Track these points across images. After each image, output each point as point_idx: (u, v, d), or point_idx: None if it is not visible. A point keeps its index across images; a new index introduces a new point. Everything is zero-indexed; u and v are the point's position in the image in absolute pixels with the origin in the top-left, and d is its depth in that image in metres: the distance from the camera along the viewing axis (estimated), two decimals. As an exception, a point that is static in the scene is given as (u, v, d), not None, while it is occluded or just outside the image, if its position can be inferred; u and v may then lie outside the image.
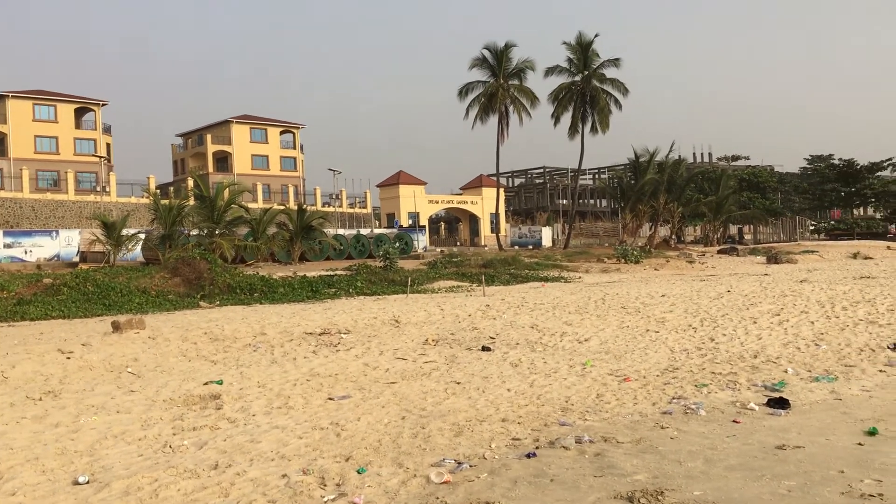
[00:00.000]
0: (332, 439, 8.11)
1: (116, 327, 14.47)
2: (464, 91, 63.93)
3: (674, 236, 70.09)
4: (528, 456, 7.40)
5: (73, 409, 9.15)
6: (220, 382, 10.88)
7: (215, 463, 7.11)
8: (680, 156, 70.34)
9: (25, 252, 52.74)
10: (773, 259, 45.05)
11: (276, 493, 6.32)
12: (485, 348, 14.05)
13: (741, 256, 52.51)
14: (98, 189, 69.50)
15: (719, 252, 56.85)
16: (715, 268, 40.64)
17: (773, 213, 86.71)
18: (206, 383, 10.84)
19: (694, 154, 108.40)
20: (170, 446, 7.70)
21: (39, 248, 53.55)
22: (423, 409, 9.51)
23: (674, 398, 10.08)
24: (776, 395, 10.13)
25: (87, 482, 6.51)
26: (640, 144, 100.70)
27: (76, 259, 49.57)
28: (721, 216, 74.58)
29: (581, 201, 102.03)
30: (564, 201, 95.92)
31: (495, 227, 71.30)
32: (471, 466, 7.09)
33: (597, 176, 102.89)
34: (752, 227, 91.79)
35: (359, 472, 6.92)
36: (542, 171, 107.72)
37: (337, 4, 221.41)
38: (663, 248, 59.86)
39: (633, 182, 66.27)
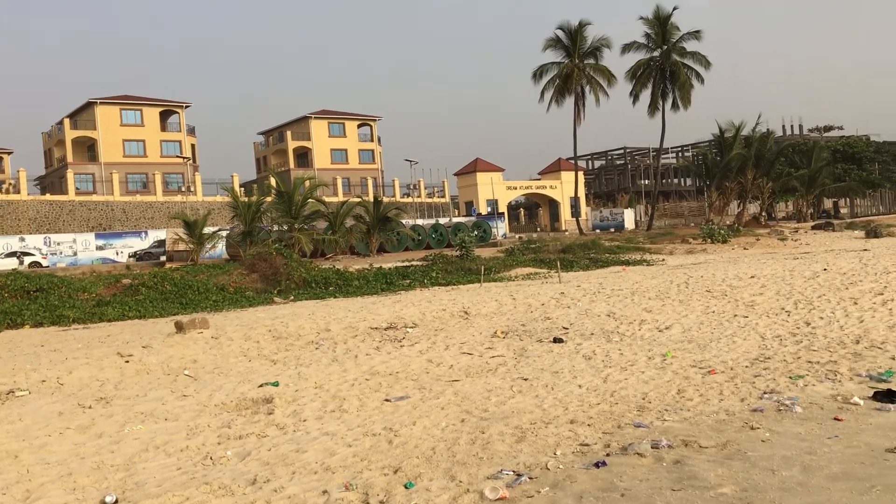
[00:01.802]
0: (383, 447, 7.50)
1: (179, 328, 14.32)
2: (538, 73, 62.62)
3: (764, 213, 67.16)
4: (597, 465, 6.60)
5: (121, 416, 8.85)
6: (275, 384, 10.46)
7: (254, 477, 6.59)
8: (768, 129, 67.20)
9: (117, 253, 54.64)
10: (873, 233, 42.35)
11: (313, 512, 5.75)
12: (556, 340, 13.23)
13: (837, 231, 49.75)
14: (184, 189, 71.39)
15: (813, 228, 54.06)
16: (809, 245, 38.40)
17: (870, 185, 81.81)
18: (261, 385, 10.43)
19: (783, 127, 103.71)
20: (211, 458, 7.24)
21: (130, 249, 55.36)
22: (485, 411, 8.80)
23: (765, 393, 9.06)
24: (883, 386, 8.98)
25: (115, 502, 6.08)
26: (724, 119, 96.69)
27: (163, 258, 50.93)
28: (814, 190, 71.04)
29: (664, 181, 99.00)
30: (646, 182, 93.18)
31: (575, 212, 69.78)
32: (531, 479, 6.35)
33: (680, 154, 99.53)
34: (847, 200, 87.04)
35: (406, 487, 6.28)
36: (622, 151, 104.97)
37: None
38: (753, 225, 57.35)
39: (718, 158, 63.78)
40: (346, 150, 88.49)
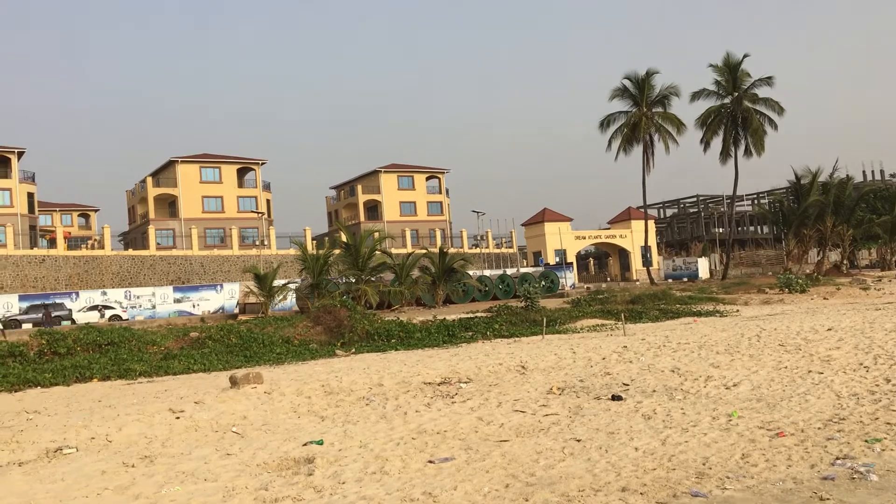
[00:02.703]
0: (420, 514, 7.15)
1: (234, 382, 14.31)
2: (605, 122, 62.40)
3: (845, 261, 64.39)
4: (645, 540, 6.12)
5: (162, 476, 8.75)
6: (320, 443, 10.23)
7: (282, 545, 6.34)
8: (847, 174, 64.81)
9: (193, 306, 56.07)
10: (965, 281, 39.98)
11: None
12: (615, 397, 12.65)
13: (926, 280, 47.16)
14: (259, 243, 73.14)
15: (899, 276, 51.43)
16: (893, 294, 36.42)
17: (958, 231, 77.70)
18: (305, 444, 10.21)
19: (864, 172, 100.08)
20: (243, 523, 7.04)
21: (206, 302, 56.81)
22: (532, 475, 8.36)
23: (837, 458, 8.36)
24: (972, 453, 8.19)
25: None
26: (800, 165, 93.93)
27: (237, 311, 51.92)
28: (898, 237, 67.84)
29: (739, 229, 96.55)
30: (721, 230, 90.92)
31: (646, 261, 68.43)
32: (572, 554, 5.90)
33: (755, 201, 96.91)
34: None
35: (436, 560, 5.92)
36: (695, 199, 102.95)
37: (469, 46, 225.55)
38: (833, 274, 55.01)
39: (795, 205, 61.75)
40: (414, 203, 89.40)
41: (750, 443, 9.34)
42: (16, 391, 18.47)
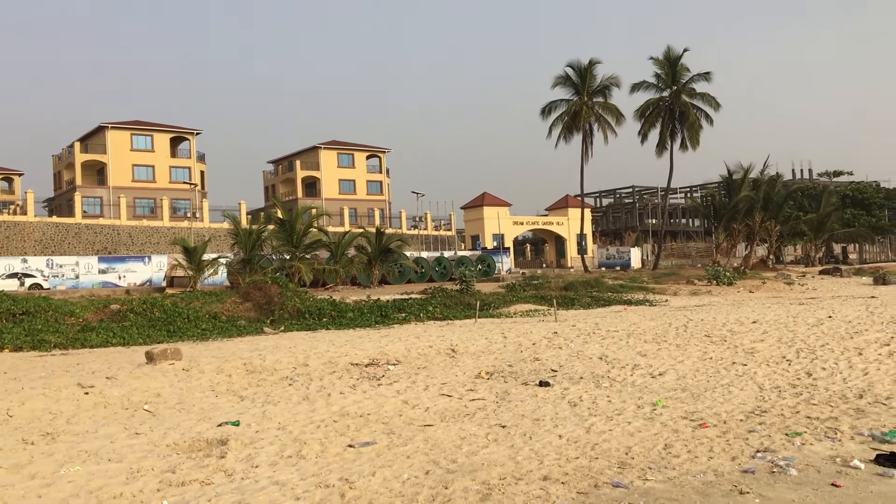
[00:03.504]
0: (334, 501, 6.85)
1: (150, 358, 13.70)
2: (546, 110, 62.60)
3: (772, 256, 66.35)
4: (563, 532, 5.95)
5: (63, 455, 8.22)
6: (236, 423, 9.82)
7: (182, 533, 5.96)
8: (777, 172, 66.69)
9: (119, 277, 54.26)
10: (882, 280, 41.50)
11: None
12: (542, 383, 12.55)
13: (845, 277, 48.89)
14: (191, 215, 71.22)
15: (821, 273, 53.20)
16: (816, 290, 37.56)
17: (880, 231, 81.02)
18: (220, 424, 9.78)
19: (793, 171, 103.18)
20: (143, 507, 6.61)
21: (133, 274, 55.03)
22: (454, 462, 8.14)
23: (758, 451, 8.37)
24: (887, 448, 8.30)
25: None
26: (732, 161, 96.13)
27: (164, 284, 50.52)
28: (823, 235, 70.31)
29: (672, 221, 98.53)
30: (654, 221, 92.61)
31: (581, 249, 69.22)
32: (487, 545, 5.69)
33: (688, 194, 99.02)
34: (856, 246, 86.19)
35: (347, 551, 5.64)
36: (630, 190, 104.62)
37: (422, 32, 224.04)
38: (760, 268, 56.54)
39: (726, 200, 63.25)
40: (354, 181, 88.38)
41: (673, 433, 9.31)
42: (-83, 360, 17.39)
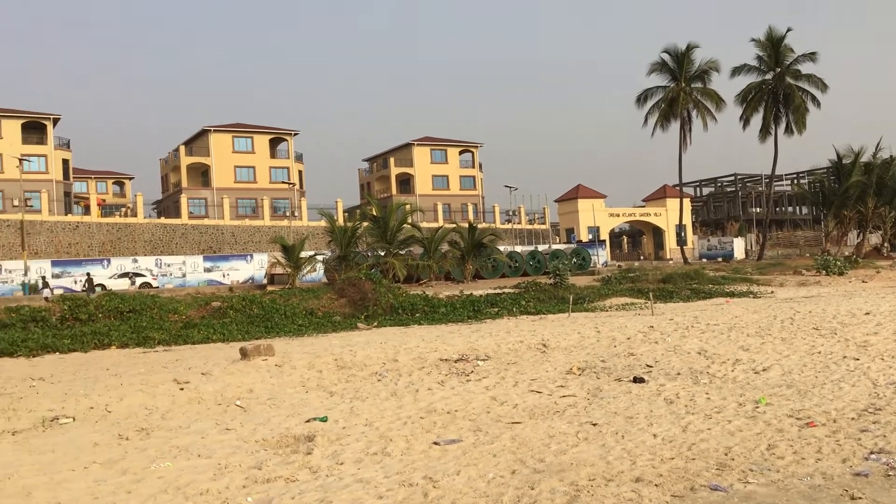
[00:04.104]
0: (416, 500, 6.70)
1: (244, 354, 13.98)
2: (642, 98, 61.05)
3: (886, 244, 62.55)
4: (656, 538, 5.60)
5: (155, 451, 8.41)
6: (324, 419, 9.84)
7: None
8: (892, 155, 62.69)
9: (223, 275, 56.25)
10: None
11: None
12: (636, 379, 12.08)
13: (971, 265, 45.57)
14: (289, 214, 73.09)
15: (944, 260, 49.79)
16: (938, 279, 35.15)
17: None
18: (308, 420, 9.83)
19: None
20: (228, 505, 6.64)
21: (236, 272, 56.95)
22: (541, 461, 7.86)
23: (872, 452, 7.74)
24: None
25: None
26: (842, 144, 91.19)
27: (265, 281, 51.99)
28: (944, 220, 65.64)
29: (777, 209, 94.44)
30: (758, 210, 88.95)
31: (681, 240, 67.17)
32: (573, 552, 5.41)
33: (795, 181, 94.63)
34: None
35: (426, 553, 5.47)
36: (732, 178, 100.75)
37: (511, 27, 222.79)
38: (874, 257, 53.45)
39: (836, 185, 60.03)
40: (447, 177, 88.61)
41: (777, 432, 8.74)
42: (34, 356, 18.39)
